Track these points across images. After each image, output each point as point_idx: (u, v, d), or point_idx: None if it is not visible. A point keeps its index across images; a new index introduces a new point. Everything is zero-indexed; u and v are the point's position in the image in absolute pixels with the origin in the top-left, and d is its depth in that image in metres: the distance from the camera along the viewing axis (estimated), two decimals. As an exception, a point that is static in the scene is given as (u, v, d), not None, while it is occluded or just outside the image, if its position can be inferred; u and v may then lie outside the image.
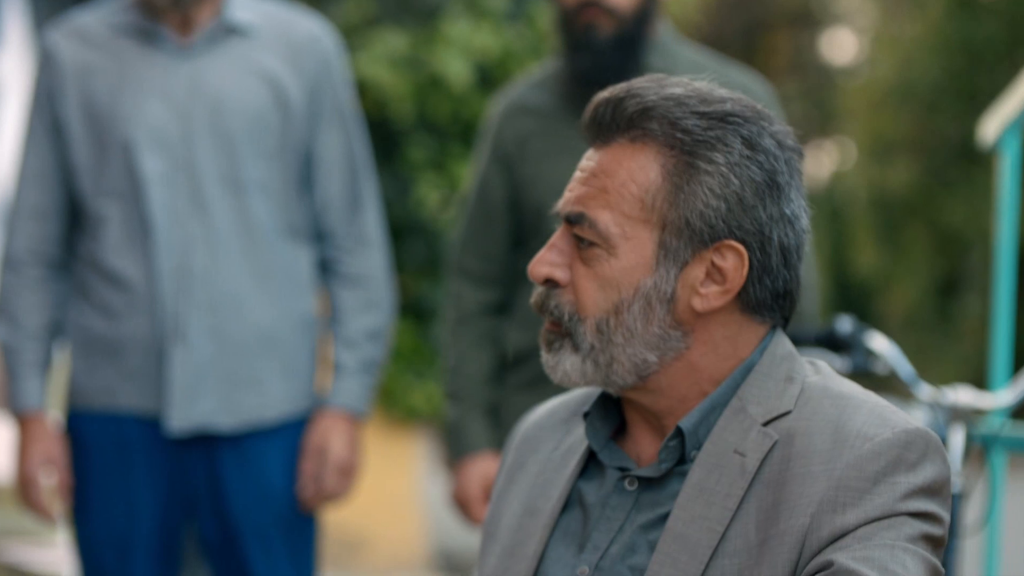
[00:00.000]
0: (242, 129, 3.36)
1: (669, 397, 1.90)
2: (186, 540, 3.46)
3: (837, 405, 1.85)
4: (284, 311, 3.41)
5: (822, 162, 15.91)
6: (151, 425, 3.35)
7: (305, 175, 3.46)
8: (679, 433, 1.88)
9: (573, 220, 1.90)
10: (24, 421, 3.40)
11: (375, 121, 7.56)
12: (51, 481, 3.39)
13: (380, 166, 7.15)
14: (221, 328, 3.35)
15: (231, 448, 3.38)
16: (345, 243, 3.49)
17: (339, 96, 3.48)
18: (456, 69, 7.85)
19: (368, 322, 3.49)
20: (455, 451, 3.56)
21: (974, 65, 13.07)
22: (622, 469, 1.92)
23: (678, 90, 1.89)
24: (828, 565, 1.75)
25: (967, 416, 3.12)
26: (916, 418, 2.33)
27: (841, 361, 3.19)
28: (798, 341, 3.14)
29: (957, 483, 3.06)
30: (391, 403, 8.30)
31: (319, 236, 3.50)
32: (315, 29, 3.48)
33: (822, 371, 1.92)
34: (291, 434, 3.44)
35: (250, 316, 3.37)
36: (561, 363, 1.91)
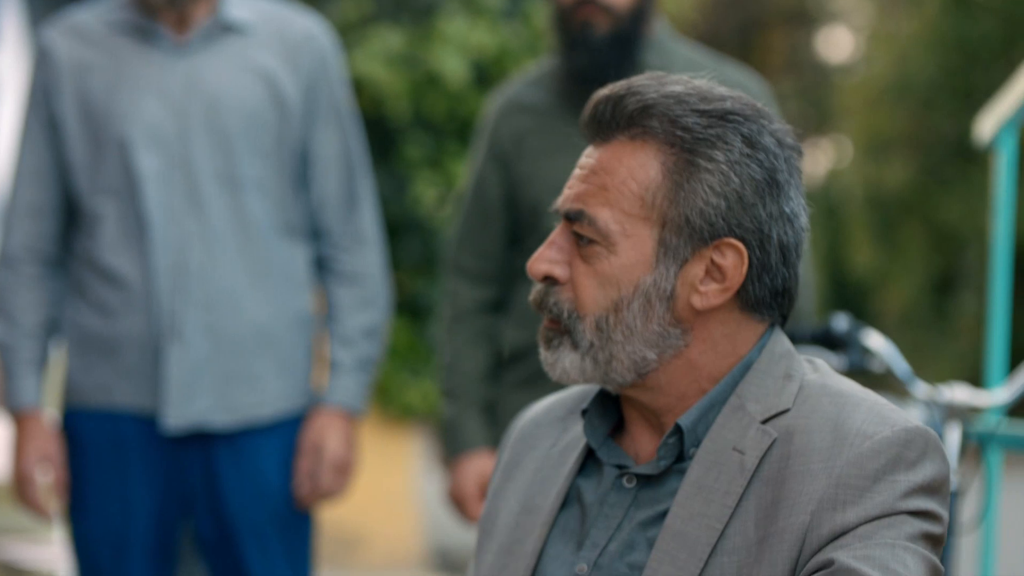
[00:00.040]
0: (238, 127, 3.36)
1: (668, 395, 1.90)
2: (182, 537, 3.46)
3: (836, 403, 1.85)
4: (280, 309, 3.41)
5: (818, 160, 15.92)
6: (147, 423, 3.35)
7: (301, 173, 3.46)
8: (678, 430, 1.88)
9: (573, 217, 1.90)
10: (20, 419, 3.40)
11: (371, 119, 7.55)
12: (47, 479, 3.39)
13: (376, 164, 7.15)
14: (217, 325, 3.35)
15: (227, 445, 3.38)
16: (341, 241, 3.49)
17: (335, 94, 3.48)
18: (452, 67, 7.84)
19: (364, 320, 3.49)
20: (451, 449, 3.56)
21: (970, 63, 13.09)
22: (620, 467, 1.92)
23: (678, 88, 1.89)
24: (829, 563, 1.75)
25: (963, 414, 3.12)
26: (912, 416, 2.33)
27: (837, 359, 3.19)
28: (794, 339, 3.14)
29: (953, 481, 3.06)
30: (387, 401, 8.30)
31: (315, 234, 3.50)
32: (311, 27, 3.48)
33: (820, 369, 1.92)
34: (287, 431, 3.44)
35: (246, 313, 3.37)
36: (560, 360, 1.91)
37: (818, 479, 1.79)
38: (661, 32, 3.56)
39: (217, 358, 3.35)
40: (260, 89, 3.39)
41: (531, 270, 1.92)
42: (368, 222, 3.52)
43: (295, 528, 3.45)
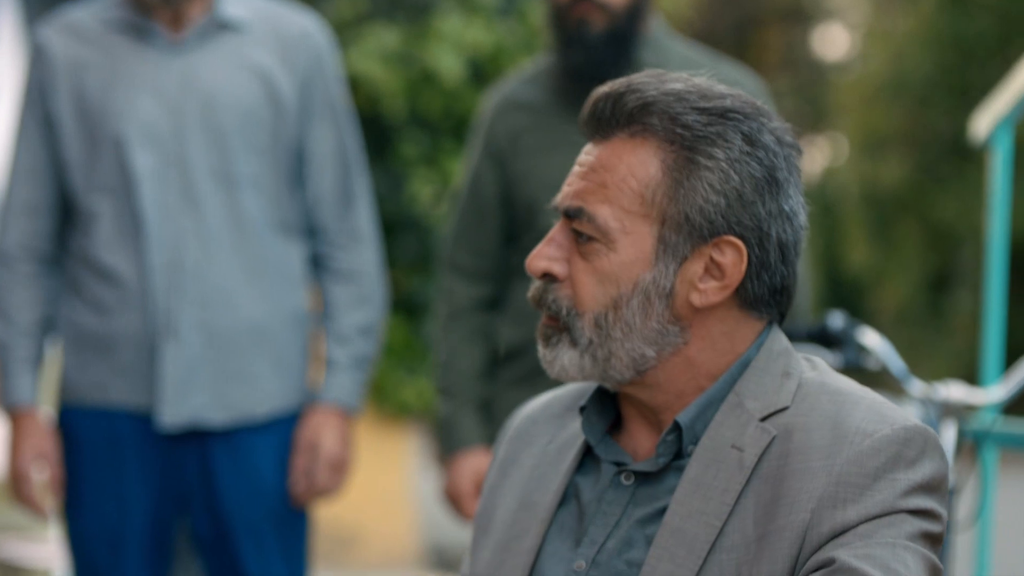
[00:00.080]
0: (234, 124, 3.36)
1: (666, 392, 1.90)
2: (178, 535, 3.45)
3: (835, 401, 1.85)
4: (276, 306, 3.41)
5: (814, 158, 15.92)
6: (143, 420, 3.35)
7: (297, 171, 3.46)
8: (676, 428, 1.88)
9: (572, 214, 1.89)
10: (16, 416, 3.39)
11: (367, 117, 7.55)
12: (43, 476, 3.39)
13: (372, 162, 7.14)
14: (212, 323, 3.35)
15: (223, 443, 3.38)
16: (337, 239, 3.49)
17: (331, 91, 3.48)
18: (448, 64, 7.84)
19: (360, 318, 3.49)
20: (447, 447, 3.56)
21: (966, 60, 13.10)
22: (618, 464, 1.92)
23: (678, 85, 1.88)
24: (830, 562, 1.75)
25: (959, 412, 3.12)
26: (911, 414, 2.33)
27: (833, 357, 3.19)
28: (790, 337, 3.14)
29: (949, 479, 3.06)
30: (383, 399, 8.30)
31: (311, 232, 3.50)
32: (307, 25, 3.47)
33: (819, 367, 1.92)
34: (283, 429, 3.43)
35: (242, 311, 3.37)
36: (559, 358, 1.91)
37: (818, 477, 1.79)
38: (657, 30, 3.56)
39: (213, 356, 3.35)
40: (256, 87, 3.39)
41: (530, 267, 1.92)
42: (364, 220, 3.52)
43: (291, 526, 3.45)
